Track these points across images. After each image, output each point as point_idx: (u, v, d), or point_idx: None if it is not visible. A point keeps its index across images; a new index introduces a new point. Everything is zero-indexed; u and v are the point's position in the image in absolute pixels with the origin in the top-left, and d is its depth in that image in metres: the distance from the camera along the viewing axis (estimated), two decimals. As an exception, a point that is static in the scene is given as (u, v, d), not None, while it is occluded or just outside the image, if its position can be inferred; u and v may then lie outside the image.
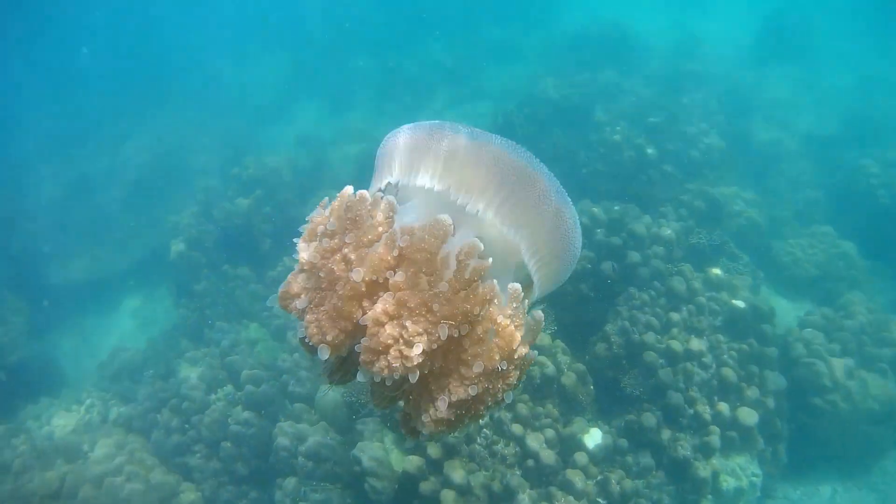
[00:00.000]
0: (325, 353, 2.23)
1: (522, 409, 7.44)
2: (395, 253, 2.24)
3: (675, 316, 8.13)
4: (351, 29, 24.28)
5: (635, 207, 9.72)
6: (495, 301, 2.27)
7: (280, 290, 2.41)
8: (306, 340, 2.27)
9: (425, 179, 2.54)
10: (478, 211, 2.45)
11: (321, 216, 2.48)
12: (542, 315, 2.48)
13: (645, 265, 8.63)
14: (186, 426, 9.30)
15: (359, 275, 2.18)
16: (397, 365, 2.10)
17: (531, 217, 2.51)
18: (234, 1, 30.94)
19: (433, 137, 2.58)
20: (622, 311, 8.38)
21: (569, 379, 7.75)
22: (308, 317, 2.28)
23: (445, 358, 2.25)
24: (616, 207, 9.33)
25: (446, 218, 2.29)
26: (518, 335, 2.30)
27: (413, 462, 7.21)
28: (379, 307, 2.16)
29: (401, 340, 2.13)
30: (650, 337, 7.93)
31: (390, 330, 2.13)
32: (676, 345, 7.86)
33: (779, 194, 11.88)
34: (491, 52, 19.83)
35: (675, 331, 8.06)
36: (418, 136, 2.64)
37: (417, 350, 2.10)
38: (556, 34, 20.24)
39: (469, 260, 2.21)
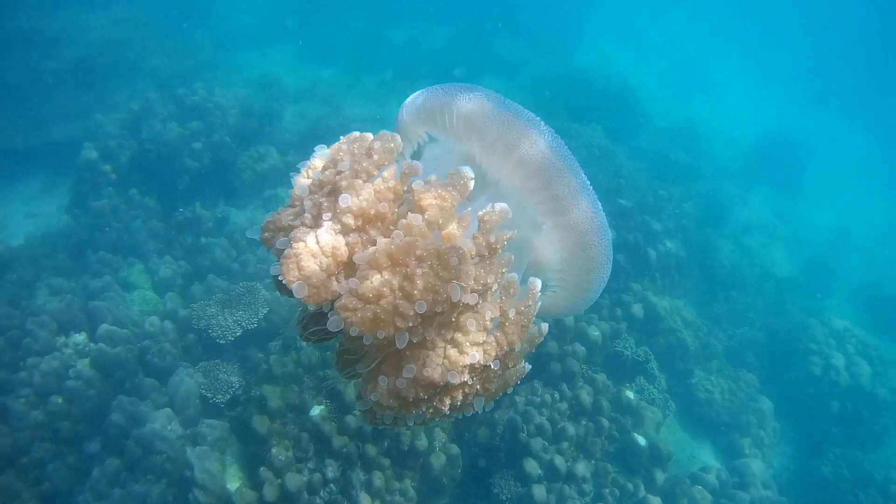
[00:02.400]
0: (302, 291, 1.86)
1: (378, 477, 6.58)
2: (404, 188, 2.03)
3: (570, 429, 7.37)
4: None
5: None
6: (511, 290, 2.11)
7: (266, 220, 2.19)
8: (280, 279, 1.91)
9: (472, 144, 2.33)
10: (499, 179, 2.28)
11: (332, 152, 2.25)
12: (546, 328, 2.29)
13: (559, 361, 7.87)
14: (20, 363, 8.07)
15: (347, 201, 1.94)
16: (389, 321, 1.77)
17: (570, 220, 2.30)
18: None
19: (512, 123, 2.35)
20: (518, 401, 7.60)
21: (438, 460, 6.93)
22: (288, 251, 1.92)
23: (438, 330, 1.96)
24: (553, 288, 8.52)
25: (468, 171, 2.08)
26: (523, 335, 2.11)
27: (245, 497, 6.31)
28: (381, 245, 1.88)
29: (398, 293, 1.80)
30: (537, 443, 7.16)
31: (389, 277, 1.81)
32: (561, 462, 7.12)
33: (720, 323, 11.32)
34: (490, 63, 18.70)
35: (565, 444, 7.32)
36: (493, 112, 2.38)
37: (421, 309, 1.78)
38: (561, 67, 19.42)
39: (494, 222, 2.00)
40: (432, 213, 1.96)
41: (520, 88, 17.10)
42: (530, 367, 2.38)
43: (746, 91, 26.75)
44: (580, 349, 7.95)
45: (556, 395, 7.64)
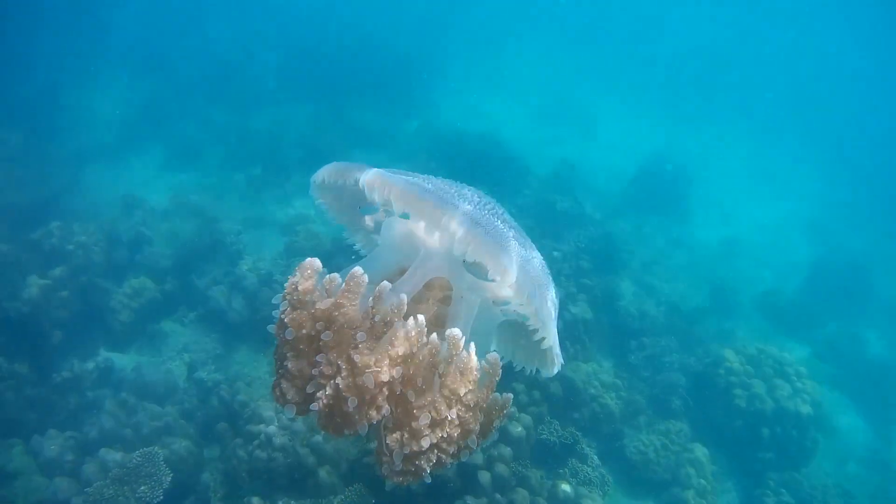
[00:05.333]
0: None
1: None
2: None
3: (512, 544, 6.95)
4: (220, 70, 22.49)
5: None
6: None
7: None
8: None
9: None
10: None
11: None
12: (498, 357, 2.54)
13: (488, 469, 7.44)
14: None
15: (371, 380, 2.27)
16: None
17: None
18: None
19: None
20: (454, 525, 7.12)
21: None
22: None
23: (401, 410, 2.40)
24: (465, 388, 8.13)
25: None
26: (464, 379, 2.36)
27: None
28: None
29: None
30: (480, 568, 6.69)
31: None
32: (508, 584, 6.66)
33: (639, 374, 11.19)
34: (358, 136, 18.32)
35: (509, 562, 6.87)
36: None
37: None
38: (430, 129, 19.30)
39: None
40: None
41: (396, 158, 16.84)
42: (510, 396, 2.82)
43: (617, 122, 27.38)
44: (506, 451, 7.55)
45: (491, 509, 7.20)
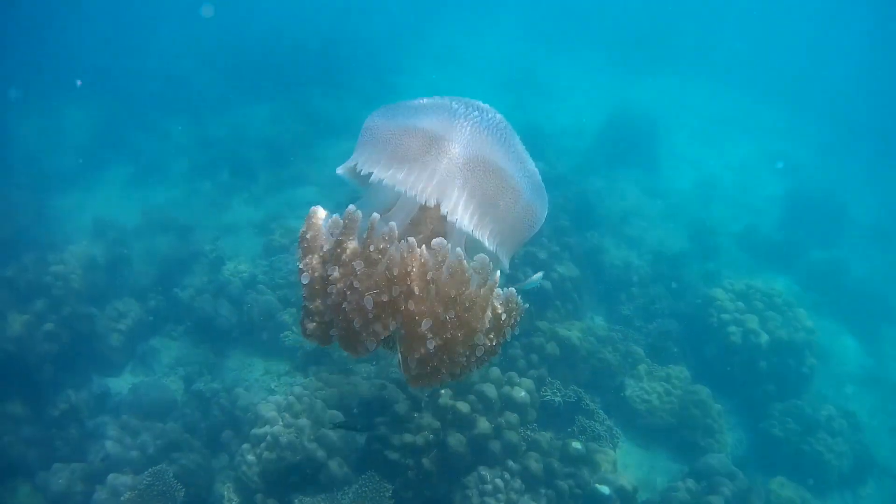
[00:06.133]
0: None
1: None
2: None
3: (531, 506, 6.98)
4: (171, 85, 22.15)
5: (484, 355, 8.60)
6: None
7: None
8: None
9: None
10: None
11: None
12: (485, 258, 2.61)
13: (497, 437, 7.46)
14: None
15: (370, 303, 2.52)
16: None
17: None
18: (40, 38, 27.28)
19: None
20: (471, 495, 7.14)
21: None
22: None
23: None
24: (464, 361, 8.13)
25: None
26: (454, 281, 2.52)
27: None
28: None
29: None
30: (503, 535, 6.72)
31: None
32: (533, 547, 6.70)
33: (632, 324, 11.24)
34: (320, 128, 18.07)
35: (531, 524, 6.91)
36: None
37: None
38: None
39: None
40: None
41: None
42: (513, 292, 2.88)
43: (576, 81, 27.34)
44: (512, 417, 7.57)
45: (506, 475, 7.23)
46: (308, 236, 2.80)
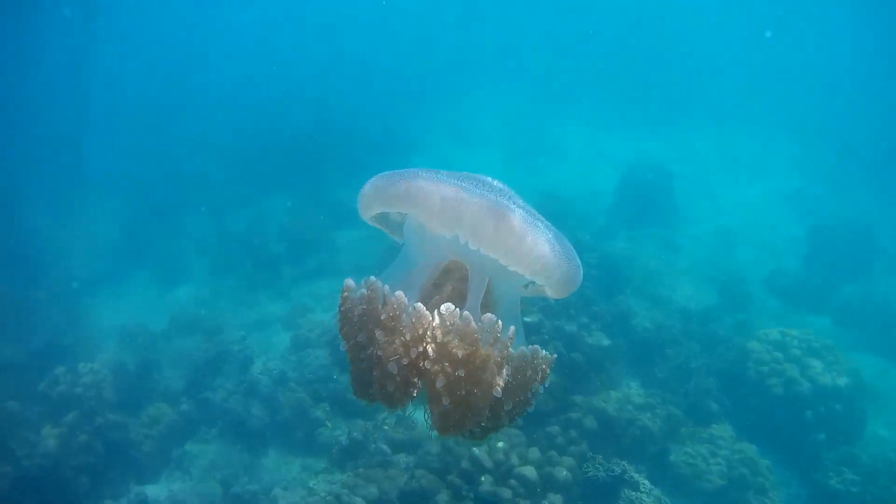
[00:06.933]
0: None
1: None
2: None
3: None
4: (188, 182, 22.62)
5: (520, 434, 8.45)
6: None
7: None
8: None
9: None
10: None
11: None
12: (493, 317, 2.69)
13: (541, 523, 7.26)
14: None
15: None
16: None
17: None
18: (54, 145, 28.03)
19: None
20: (520, 587, 6.91)
21: None
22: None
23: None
24: (500, 444, 8.00)
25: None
26: (463, 343, 2.67)
27: None
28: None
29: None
30: None
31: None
32: None
33: (668, 387, 10.98)
34: (339, 217, 17.88)
35: None
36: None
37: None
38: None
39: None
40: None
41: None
42: (537, 350, 2.91)
43: (586, 144, 27.56)
44: (556, 499, 7.39)
45: (555, 564, 7.01)
46: (342, 309, 2.99)
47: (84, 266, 18.18)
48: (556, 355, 3.01)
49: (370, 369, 2.84)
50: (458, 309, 2.71)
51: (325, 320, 12.68)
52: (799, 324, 12.27)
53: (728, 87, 34.34)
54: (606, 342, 10.26)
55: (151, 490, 10.33)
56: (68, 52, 34.32)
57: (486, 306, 3.09)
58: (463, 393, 2.69)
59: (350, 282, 3.00)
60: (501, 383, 2.77)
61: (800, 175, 24.58)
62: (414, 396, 2.81)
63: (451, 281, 3.22)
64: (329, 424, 10.18)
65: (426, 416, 2.87)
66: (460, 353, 2.64)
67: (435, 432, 2.87)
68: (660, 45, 39.91)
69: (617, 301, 12.34)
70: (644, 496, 8.29)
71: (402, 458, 8.96)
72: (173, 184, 22.80)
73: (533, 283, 3.05)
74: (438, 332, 2.69)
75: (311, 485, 9.16)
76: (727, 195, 22.28)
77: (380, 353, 2.75)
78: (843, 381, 10.72)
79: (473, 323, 2.66)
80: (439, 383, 2.67)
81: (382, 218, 3.58)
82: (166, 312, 14.72)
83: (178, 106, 31.70)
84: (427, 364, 2.71)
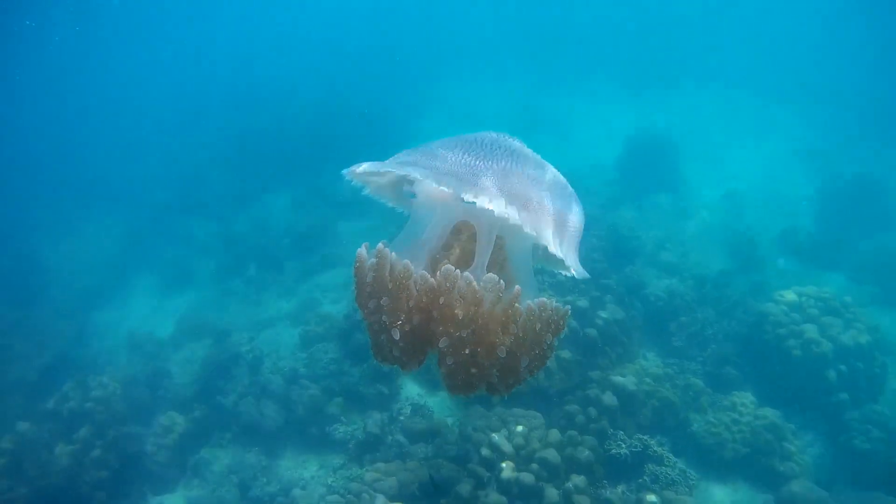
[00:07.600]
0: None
1: None
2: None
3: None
4: (189, 185, 22.44)
5: (538, 416, 8.28)
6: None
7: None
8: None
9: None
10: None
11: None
12: (495, 277, 2.74)
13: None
14: None
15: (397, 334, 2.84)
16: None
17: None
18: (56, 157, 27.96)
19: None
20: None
21: None
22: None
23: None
24: (519, 428, 7.82)
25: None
26: (466, 303, 2.68)
27: None
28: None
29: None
30: None
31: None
32: None
33: (686, 355, 10.79)
34: (342, 209, 17.80)
35: None
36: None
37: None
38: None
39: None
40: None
41: (387, 221, 16.52)
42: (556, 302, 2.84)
43: (591, 112, 27.24)
44: (579, 480, 7.20)
45: (583, 546, 6.83)
46: (356, 279, 3.01)
47: (88, 277, 18.10)
48: (569, 307, 2.95)
49: (382, 334, 2.91)
50: (458, 271, 2.72)
51: (332, 312, 12.48)
52: (815, 282, 11.96)
53: (733, 49, 33.80)
54: (620, 314, 10.03)
55: (169, 500, 10.26)
56: (67, 57, 34.30)
57: (497, 264, 3.14)
58: (467, 352, 2.73)
59: (363, 251, 2.98)
60: (507, 342, 2.76)
61: (807, 132, 24.15)
62: (423, 360, 2.93)
63: (459, 242, 3.26)
64: (344, 420, 10.02)
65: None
66: (460, 314, 2.67)
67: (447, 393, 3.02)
68: (656, 9, 39.44)
69: (628, 272, 12.10)
70: (668, 469, 8.15)
71: (421, 449, 8.78)
72: (173, 188, 22.64)
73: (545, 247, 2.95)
74: (441, 295, 2.71)
75: (330, 482, 9.02)
76: (734, 158, 21.88)
77: (385, 319, 2.83)
78: (863, 338, 10.46)
79: (475, 284, 2.68)
80: (442, 344, 2.72)
81: (384, 188, 3.67)
82: (173, 318, 14.59)
83: (175, 109, 31.54)
84: (432, 326, 2.76)
